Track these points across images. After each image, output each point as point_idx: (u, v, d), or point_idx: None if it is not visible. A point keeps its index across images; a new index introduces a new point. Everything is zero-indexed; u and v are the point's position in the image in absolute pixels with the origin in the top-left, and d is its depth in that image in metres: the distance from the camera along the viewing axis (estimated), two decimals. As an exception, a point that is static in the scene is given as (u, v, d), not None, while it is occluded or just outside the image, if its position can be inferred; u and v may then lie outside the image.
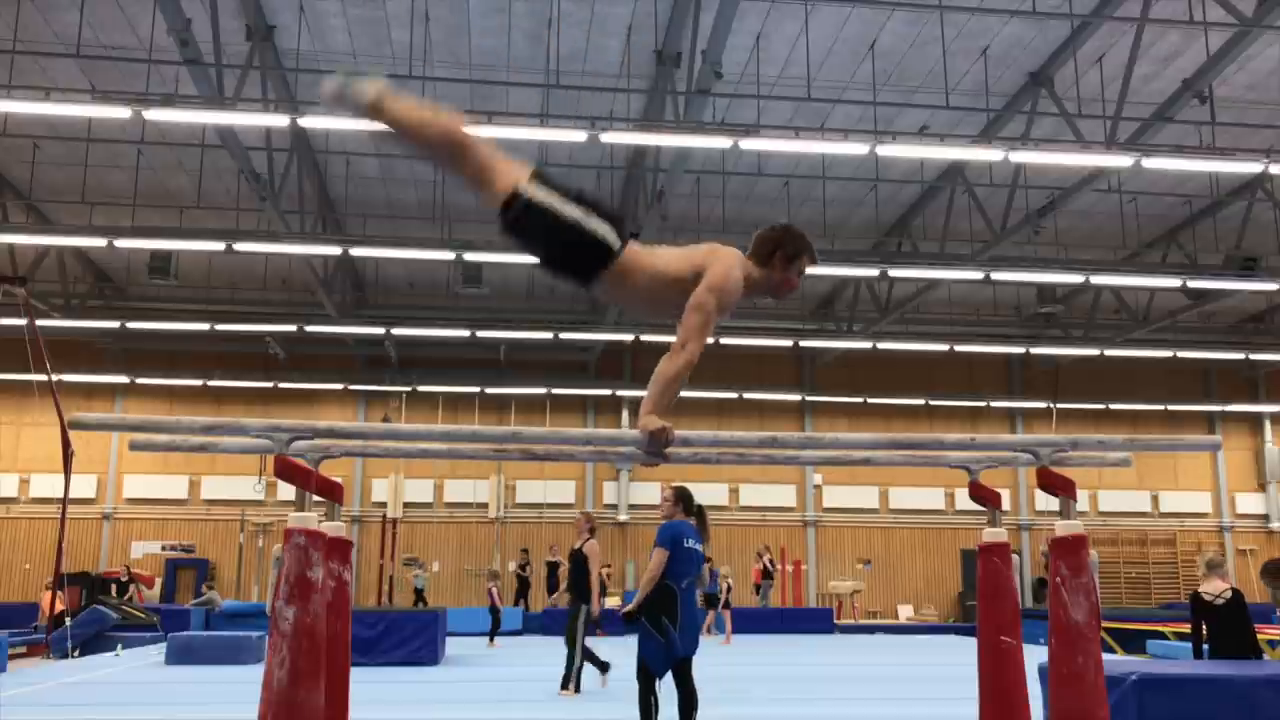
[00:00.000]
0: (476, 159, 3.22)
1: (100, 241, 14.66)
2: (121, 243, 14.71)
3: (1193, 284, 16.35)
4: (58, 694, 9.56)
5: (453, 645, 14.46)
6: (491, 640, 16.46)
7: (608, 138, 11.65)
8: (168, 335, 20.21)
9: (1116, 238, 17.31)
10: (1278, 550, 24.63)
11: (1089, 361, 22.30)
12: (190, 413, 20.45)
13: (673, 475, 22.78)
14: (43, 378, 10.46)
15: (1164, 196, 16.59)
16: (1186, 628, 13.47)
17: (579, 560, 9.62)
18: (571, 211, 3.19)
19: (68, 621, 13.25)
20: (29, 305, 11.88)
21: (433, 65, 12.64)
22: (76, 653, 13.39)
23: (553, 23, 11.93)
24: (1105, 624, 10.94)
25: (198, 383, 21.54)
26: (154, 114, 10.98)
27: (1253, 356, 21.92)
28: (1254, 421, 25.28)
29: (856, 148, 11.90)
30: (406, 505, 22.66)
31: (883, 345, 20.20)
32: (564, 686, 9.31)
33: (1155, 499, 24.66)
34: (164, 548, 22.25)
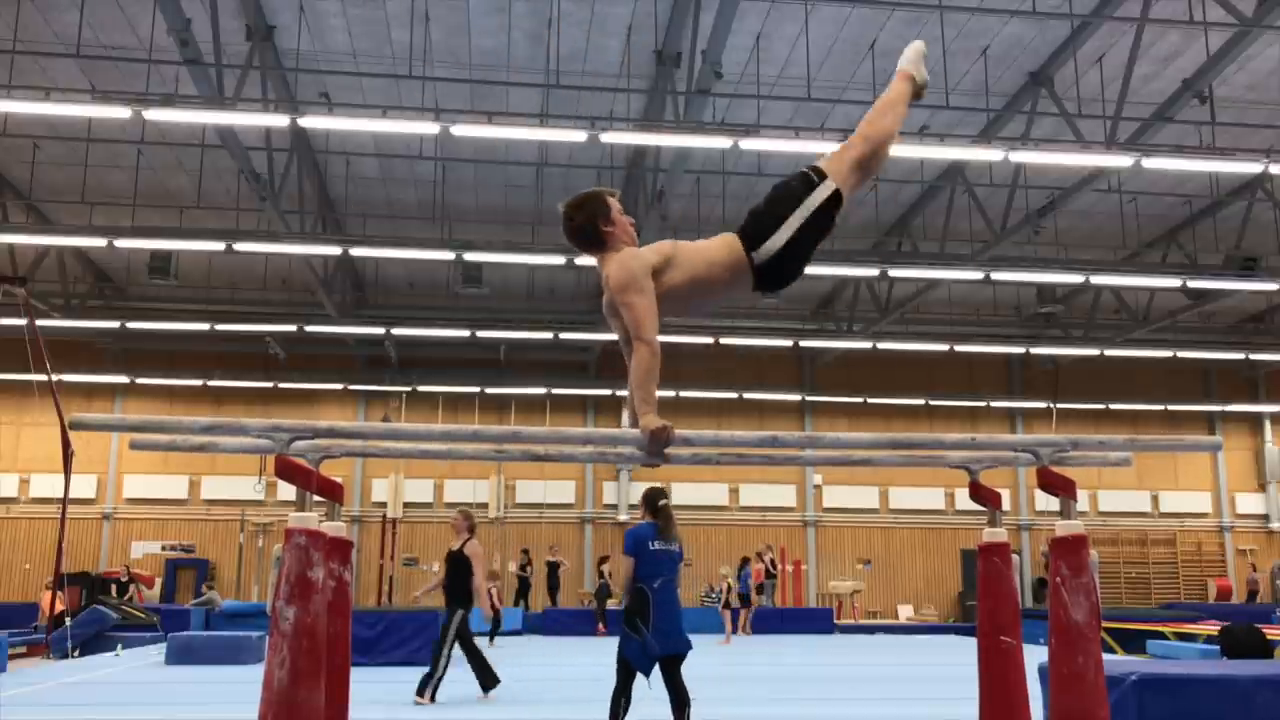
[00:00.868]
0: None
1: (100, 241, 14.67)
2: (121, 243, 14.71)
3: (1193, 284, 16.35)
4: (58, 694, 9.56)
5: (453, 645, 14.44)
6: (491, 640, 16.46)
7: (608, 138, 11.65)
8: (168, 335, 20.21)
9: (1116, 238, 17.31)
10: (1278, 550, 24.66)
11: (1089, 361, 22.30)
12: (190, 413, 20.46)
13: (673, 475, 22.85)
14: (43, 378, 10.46)
15: (1164, 196, 16.59)
16: (1187, 628, 13.51)
17: (459, 562, 8.93)
18: (793, 220, 3.51)
19: (68, 621, 13.25)
20: (29, 305, 11.88)
21: (433, 65, 12.64)
22: (76, 653, 13.39)
23: (553, 23, 11.93)
24: (1105, 624, 10.94)
25: (198, 383, 21.54)
26: (154, 114, 10.99)
27: (1253, 356, 21.93)
28: (1254, 421, 25.28)
29: (856, 148, 11.88)
30: (406, 505, 22.66)
31: (883, 345, 20.20)
32: (419, 693, 8.70)
33: (1155, 499, 24.66)
34: (164, 548, 22.25)
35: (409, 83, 12.71)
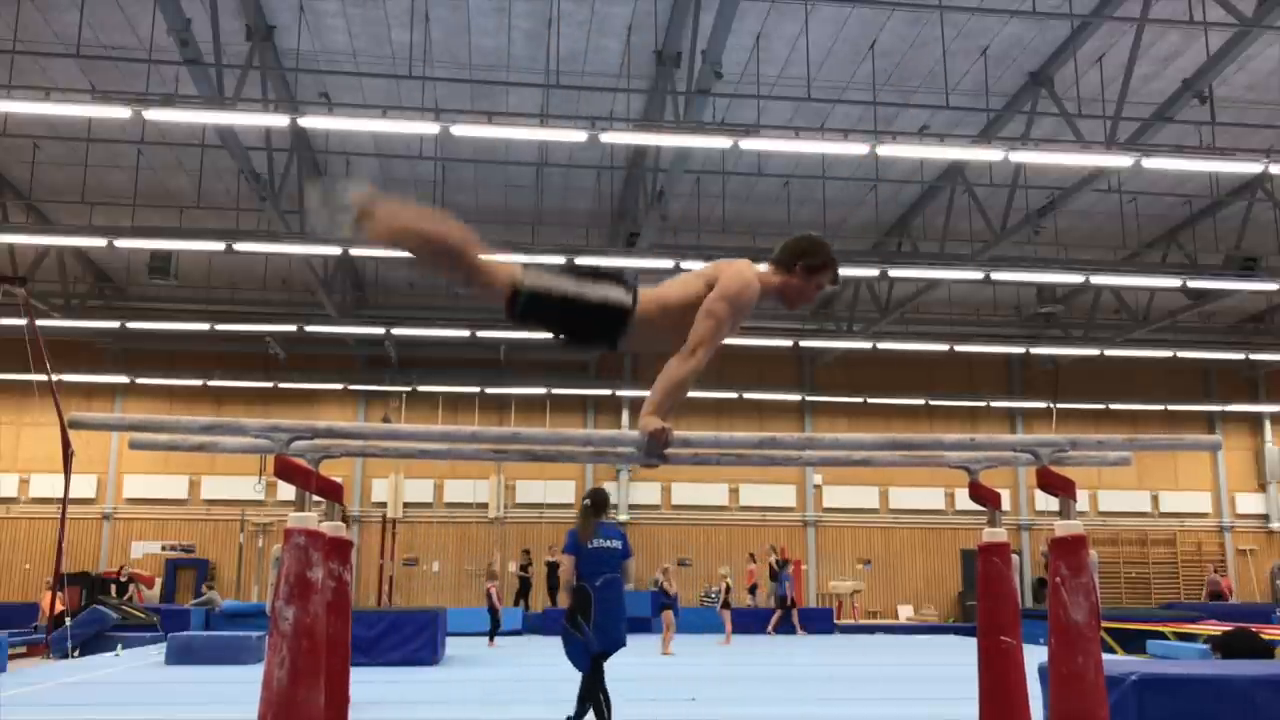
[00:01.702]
0: (471, 262, 3.22)
1: (100, 241, 14.66)
2: (121, 243, 14.71)
3: (1193, 284, 16.35)
4: (58, 694, 9.56)
5: (452, 645, 14.47)
6: (491, 640, 16.47)
7: (608, 138, 11.65)
8: (168, 335, 20.21)
9: (1116, 238, 17.31)
10: (1278, 550, 24.65)
11: (1089, 361, 22.30)
12: (190, 413, 20.42)
13: (673, 475, 22.85)
14: (43, 378, 10.47)
15: (1164, 196, 16.59)
16: (1187, 628, 13.51)
17: None
18: (572, 287, 3.22)
19: (68, 621, 13.25)
20: (29, 305, 11.89)
21: (433, 65, 12.64)
22: (76, 653, 13.39)
23: (553, 23, 11.93)
24: (1105, 624, 10.94)
25: (198, 383, 21.54)
26: (154, 114, 10.98)
27: (1253, 356, 21.93)
28: (1254, 421, 25.28)
29: (856, 148, 11.90)
30: (406, 505, 22.67)
31: (883, 345, 20.20)
32: None
33: (1155, 499, 24.65)
34: (164, 548, 22.25)
35: (409, 83, 12.71)
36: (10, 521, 21.90)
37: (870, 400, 22.95)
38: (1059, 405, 22.76)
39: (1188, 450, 22.94)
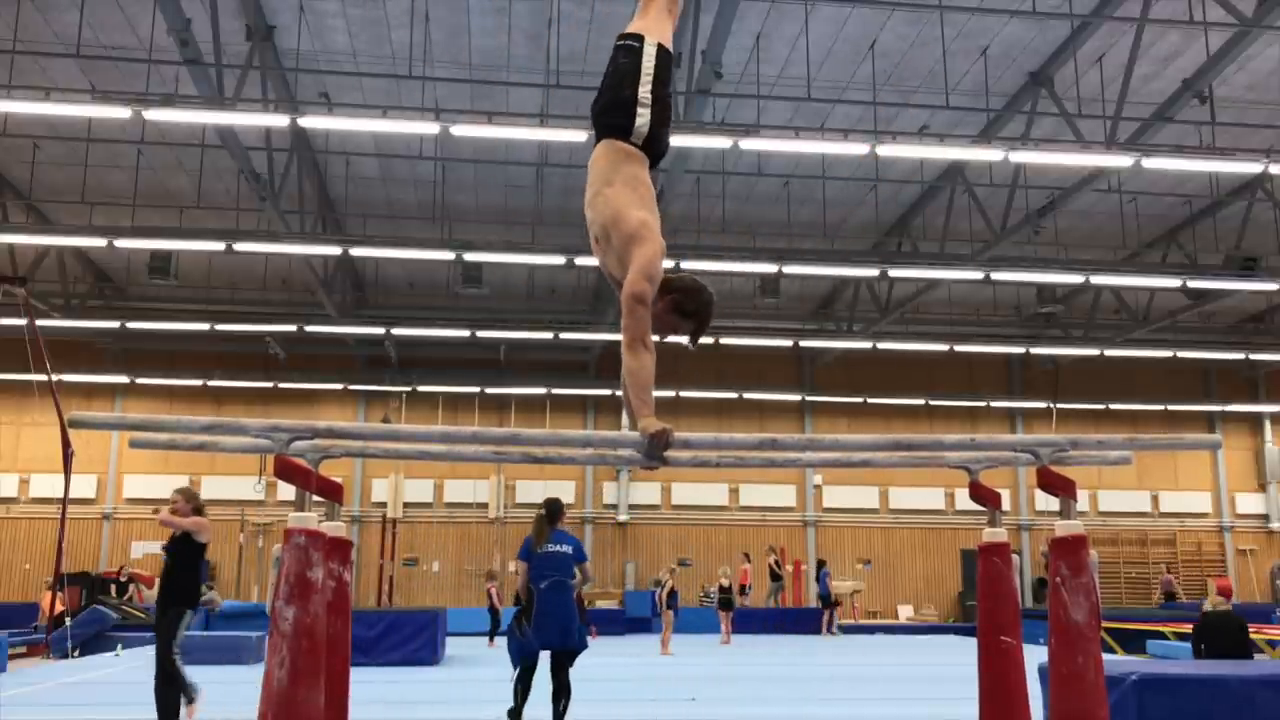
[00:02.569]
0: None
1: (100, 241, 14.67)
2: (121, 243, 14.71)
3: (1193, 284, 16.35)
4: (58, 694, 9.56)
5: (452, 645, 14.47)
6: (491, 640, 16.47)
7: (607, 138, 11.62)
8: (168, 335, 20.21)
9: (1116, 238, 17.31)
10: (1278, 550, 24.66)
11: (1089, 361, 22.30)
12: (190, 413, 20.31)
13: (673, 476, 22.85)
14: (43, 378, 10.47)
15: (1164, 196, 16.58)
16: (1186, 628, 13.49)
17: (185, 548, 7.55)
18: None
19: (68, 621, 13.25)
20: (29, 305, 11.88)
21: (433, 65, 12.64)
22: (76, 653, 13.39)
23: (553, 23, 11.92)
24: (1105, 624, 10.92)
25: (198, 383, 21.54)
26: (154, 114, 10.99)
27: (1253, 356, 21.93)
28: (1254, 421, 25.28)
29: (856, 148, 11.90)
30: (406, 505, 22.66)
31: (883, 345, 20.20)
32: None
33: (1155, 499, 24.66)
34: (164, 548, 22.19)
35: (409, 83, 12.71)
36: (10, 521, 21.89)
37: (870, 400, 22.95)
38: (1059, 405, 22.76)
39: (1188, 450, 22.97)
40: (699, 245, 16.21)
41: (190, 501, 7.87)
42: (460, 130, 11.51)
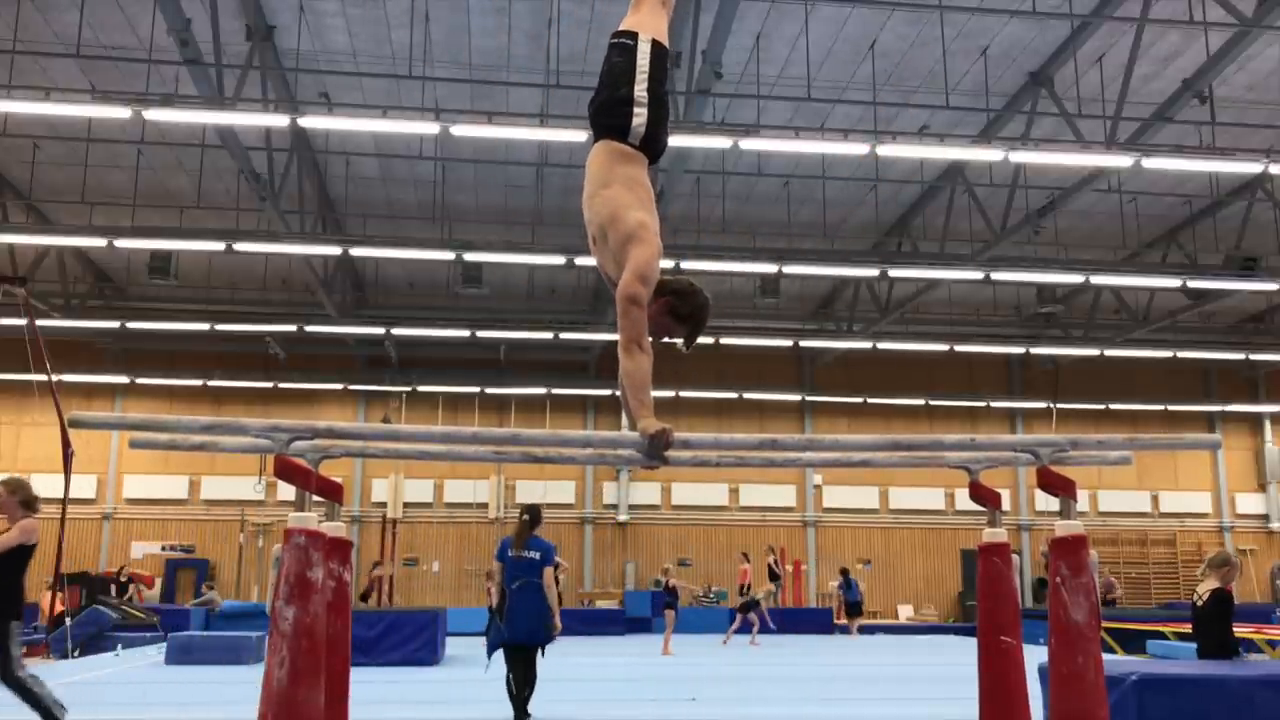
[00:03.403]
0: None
1: (100, 241, 14.67)
2: (121, 243, 14.71)
3: (1193, 284, 16.35)
4: (57, 694, 9.54)
5: (452, 645, 14.48)
6: (491, 640, 16.45)
7: (607, 138, 11.62)
8: (168, 335, 20.21)
9: (1116, 238, 17.31)
10: (1278, 550, 24.65)
11: (1089, 361, 22.30)
12: (190, 413, 20.30)
13: (673, 475, 22.84)
14: (43, 378, 10.45)
15: (1164, 196, 16.59)
16: (1187, 628, 13.49)
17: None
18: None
19: (68, 621, 13.25)
20: (29, 305, 11.87)
21: (433, 65, 12.64)
22: (76, 653, 13.39)
23: (553, 23, 11.92)
24: (1105, 624, 10.92)
25: (198, 383, 21.54)
26: (154, 114, 10.99)
27: (1253, 356, 21.92)
28: (1254, 421, 25.27)
29: (856, 148, 11.90)
30: (406, 505, 22.66)
31: (883, 345, 20.20)
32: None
33: (1155, 499, 24.66)
34: (164, 548, 22.24)
35: (409, 83, 12.71)
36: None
37: (870, 400, 22.94)
38: (1059, 405, 22.75)
39: (1188, 450, 22.96)
40: (699, 245, 16.21)
41: (16, 494, 6.51)
42: (460, 130, 11.51)
